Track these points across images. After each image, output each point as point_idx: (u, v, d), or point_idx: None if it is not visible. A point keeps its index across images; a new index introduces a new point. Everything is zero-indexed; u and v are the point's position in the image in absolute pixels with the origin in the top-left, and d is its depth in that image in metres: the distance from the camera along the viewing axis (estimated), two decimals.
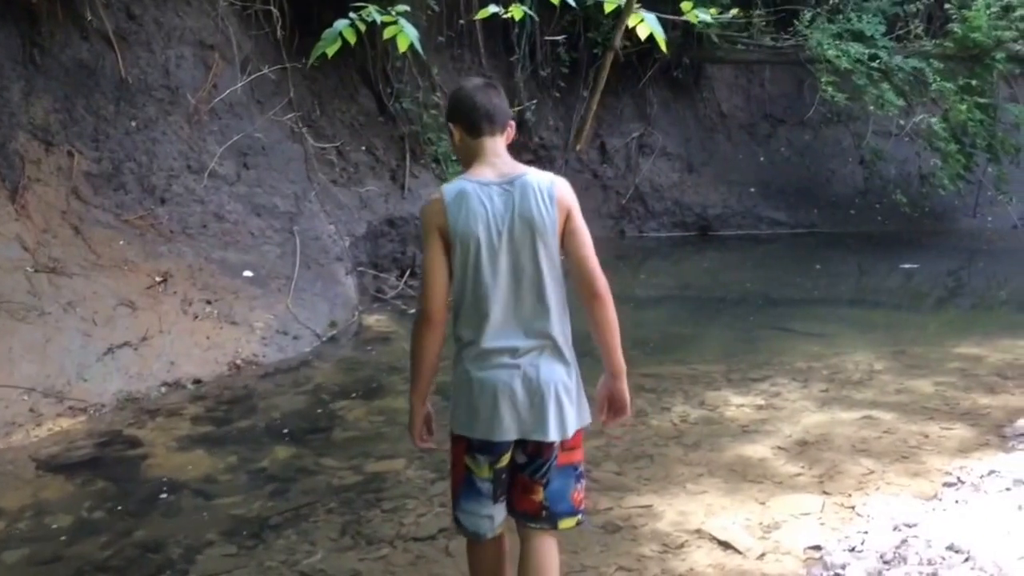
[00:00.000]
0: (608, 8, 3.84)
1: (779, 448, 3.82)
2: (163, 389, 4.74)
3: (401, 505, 3.31)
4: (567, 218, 2.17)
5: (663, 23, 3.45)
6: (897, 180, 10.52)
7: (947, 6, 9.92)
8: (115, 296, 5.07)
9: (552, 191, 2.15)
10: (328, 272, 6.41)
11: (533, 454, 2.20)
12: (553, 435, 2.15)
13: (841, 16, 9.91)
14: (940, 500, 3.21)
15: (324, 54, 3.38)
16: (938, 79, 9.32)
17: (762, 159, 11.30)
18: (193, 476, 3.70)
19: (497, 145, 2.20)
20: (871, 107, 9.55)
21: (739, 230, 10.60)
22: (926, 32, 10.50)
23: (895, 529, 2.94)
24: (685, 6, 3.99)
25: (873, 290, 8.33)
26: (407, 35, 3.41)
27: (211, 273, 5.67)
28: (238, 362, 5.15)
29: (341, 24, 3.34)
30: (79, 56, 5.93)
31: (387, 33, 3.50)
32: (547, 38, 9.71)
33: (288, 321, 5.67)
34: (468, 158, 2.22)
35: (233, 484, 3.62)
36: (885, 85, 9.36)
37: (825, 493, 3.34)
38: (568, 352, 2.20)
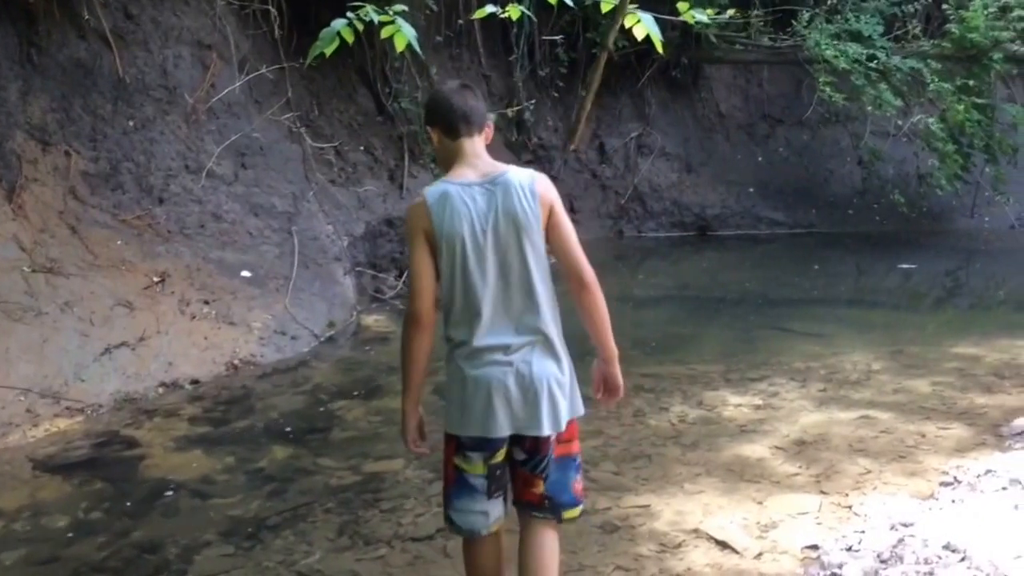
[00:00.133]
0: (605, 8, 3.85)
1: (777, 448, 3.82)
2: (160, 389, 4.73)
3: (399, 505, 3.32)
4: (550, 213, 2.20)
5: (660, 23, 3.46)
6: (895, 180, 10.52)
7: (945, 7, 9.93)
8: (112, 296, 5.07)
9: (534, 187, 2.18)
10: (326, 272, 6.41)
11: (531, 450, 2.23)
12: (547, 429, 2.18)
13: (839, 16, 9.92)
14: (937, 500, 3.22)
15: (322, 54, 3.38)
16: (936, 79, 9.33)
17: (760, 159, 11.31)
18: (191, 476, 3.70)
19: (476, 146, 2.24)
20: (869, 107, 9.56)
21: (738, 230, 10.60)
22: (924, 32, 10.51)
23: (892, 528, 2.95)
24: (681, 6, 3.99)
25: (871, 290, 8.33)
26: (405, 35, 3.41)
27: (209, 273, 5.67)
28: (236, 362, 5.15)
29: (339, 24, 3.34)
30: (76, 56, 5.92)
31: (384, 33, 3.51)
32: (545, 38, 9.72)
33: (286, 321, 5.66)
34: (448, 160, 2.26)
35: (231, 484, 3.62)
36: (883, 85, 9.37)
37: (822, 493, 3.34)
38: (559, 345, 2.23)
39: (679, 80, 11.06)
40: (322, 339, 5.76)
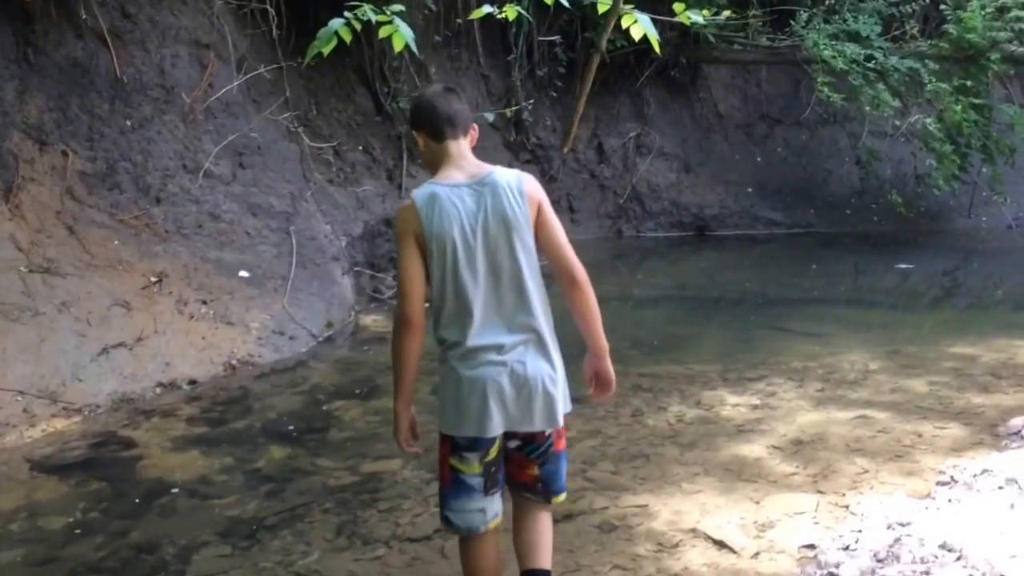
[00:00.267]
0: (602, 9, 3.85)
1: (774, 447, 3.82)
2: (158, 390, 4.73)
3: (397, 506, 3.32)
4: (538, 211, 2.22)
5: (658, 24, 3.46)
6: (893, 180, 10.53)
7: (942, 7, 9.93)
8: (110, 296, 5.06)
9: (521, 187, 2.21)
10: (324, 272, 6.41)
11: (526, 439, 2.27)
12: (540, 427, 2.22)
13: (837, 17, 9.92)
14: (934, 499, 3.22)
15: (320, 53, 3.39)
16: (933, 80, 9.33)
17: (759, 159, 11.31)
18: (188, 477, 3.69)
19: (462, 148, 2.27)
20: (867, 107, 9.56)
21: (736, 230, 10.61)
22: (921, 33, 10.52)
23: (889, 528, 2.95)
24: (678, 7, 4.00)
25: (869, 290, 8.34)
26: (402, 35, 3.41)
27: (206, 273, 5.66)
28: (234, 362, 5.14)
29: (337, 23, 3.35)
30: (73, 55, 5.92)
31: (382, 33, 3.51)
32: (544, 38, 9.72)
33: (284, 321, 5.66)
34: (435, 163, 2.29)
35: (228, 485, 3.62)
36: (881, 86, 9.38)
37: (819, 492, 3.35)
38: (552, 343, 2.25)
39: (677, 80, 11.06)
40: (320, 339, 5.76)
